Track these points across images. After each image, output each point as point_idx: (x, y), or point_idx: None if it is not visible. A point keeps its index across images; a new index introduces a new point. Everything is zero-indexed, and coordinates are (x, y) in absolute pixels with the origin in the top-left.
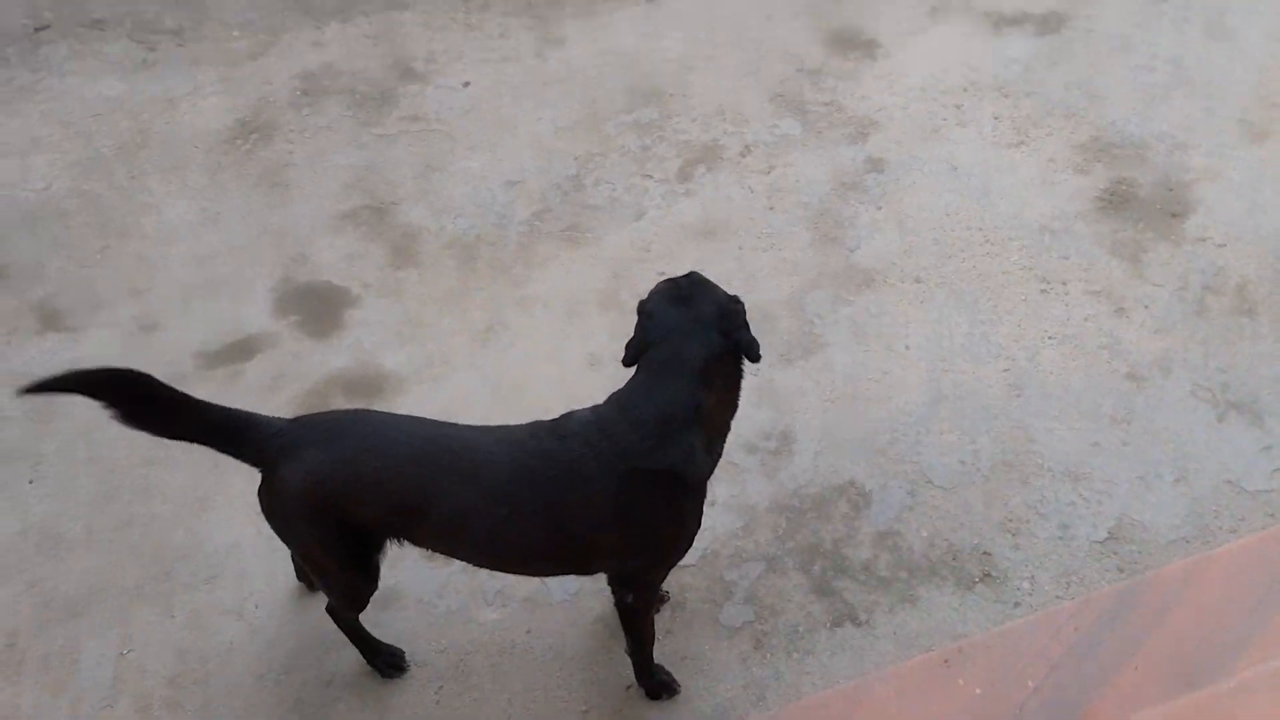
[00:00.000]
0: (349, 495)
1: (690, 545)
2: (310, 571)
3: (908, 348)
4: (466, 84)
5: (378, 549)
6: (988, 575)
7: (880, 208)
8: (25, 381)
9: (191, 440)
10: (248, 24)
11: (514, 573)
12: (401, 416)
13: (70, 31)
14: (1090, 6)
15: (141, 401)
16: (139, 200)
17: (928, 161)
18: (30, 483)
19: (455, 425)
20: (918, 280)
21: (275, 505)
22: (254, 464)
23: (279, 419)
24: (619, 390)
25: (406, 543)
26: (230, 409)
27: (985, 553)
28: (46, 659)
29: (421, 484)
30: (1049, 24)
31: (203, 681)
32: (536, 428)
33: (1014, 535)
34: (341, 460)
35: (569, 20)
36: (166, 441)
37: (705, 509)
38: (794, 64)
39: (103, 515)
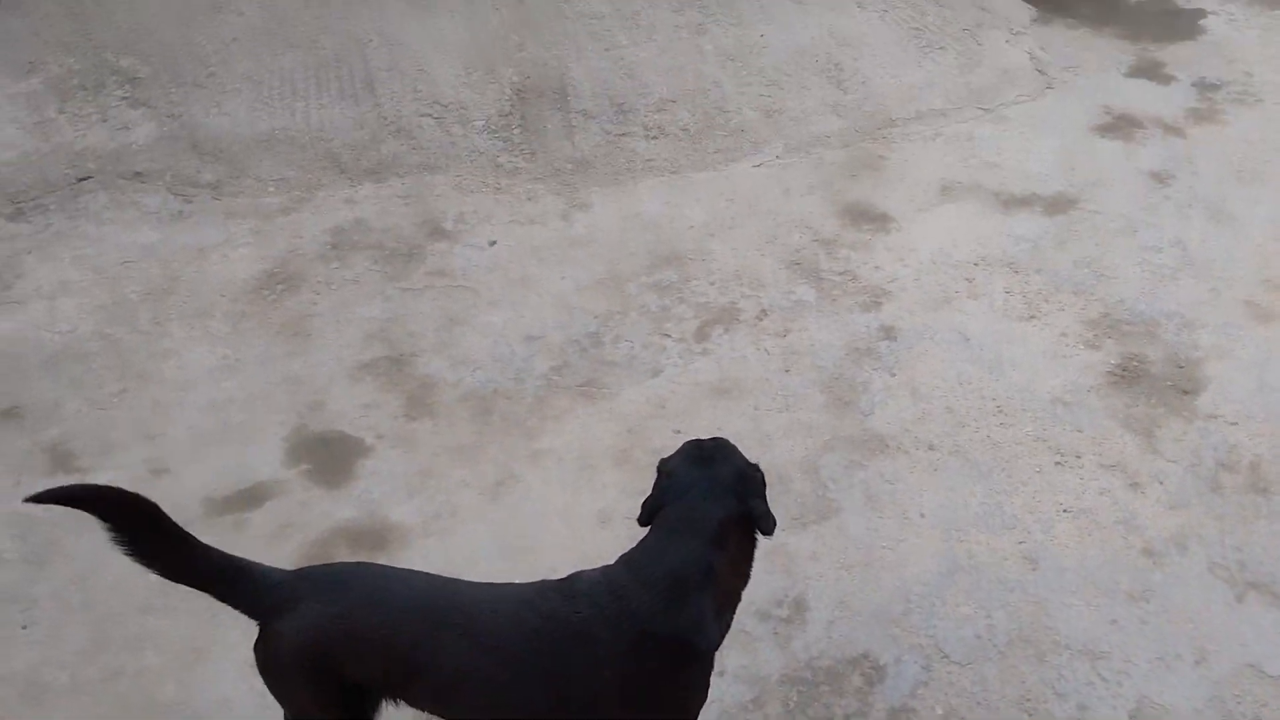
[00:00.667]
0: (347, 650)
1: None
2: None
3: (922, 515)
4: (493, 243)
5: (374, 710)
6: None
7: (894, 374)
8: (30, 526)
9: (189, 583)
10: (283, 180)
11: None
12: (405, 571)
13: (111, 183)
14: (1096, 190)
15: (145, 530)
16: (160, 345)
17: (940, 331)
18: (23, 628)
19: (460, 582)
20: (931, 447)
21: (270, 660)
22: (251, 615)
23: (280, 570)
24: (630, 550)
25: (403, 703)
26: (232, 556)
27: None
28: None
29: (421, 641)
30: (1057, 205)
31: None
32: (543, 587)
33: (1031, 716)
34: (340, 614)
35: (595, 188)
36: (165, 589)
37: (714, 679)
38: (809, 234)
39: (91, 665)
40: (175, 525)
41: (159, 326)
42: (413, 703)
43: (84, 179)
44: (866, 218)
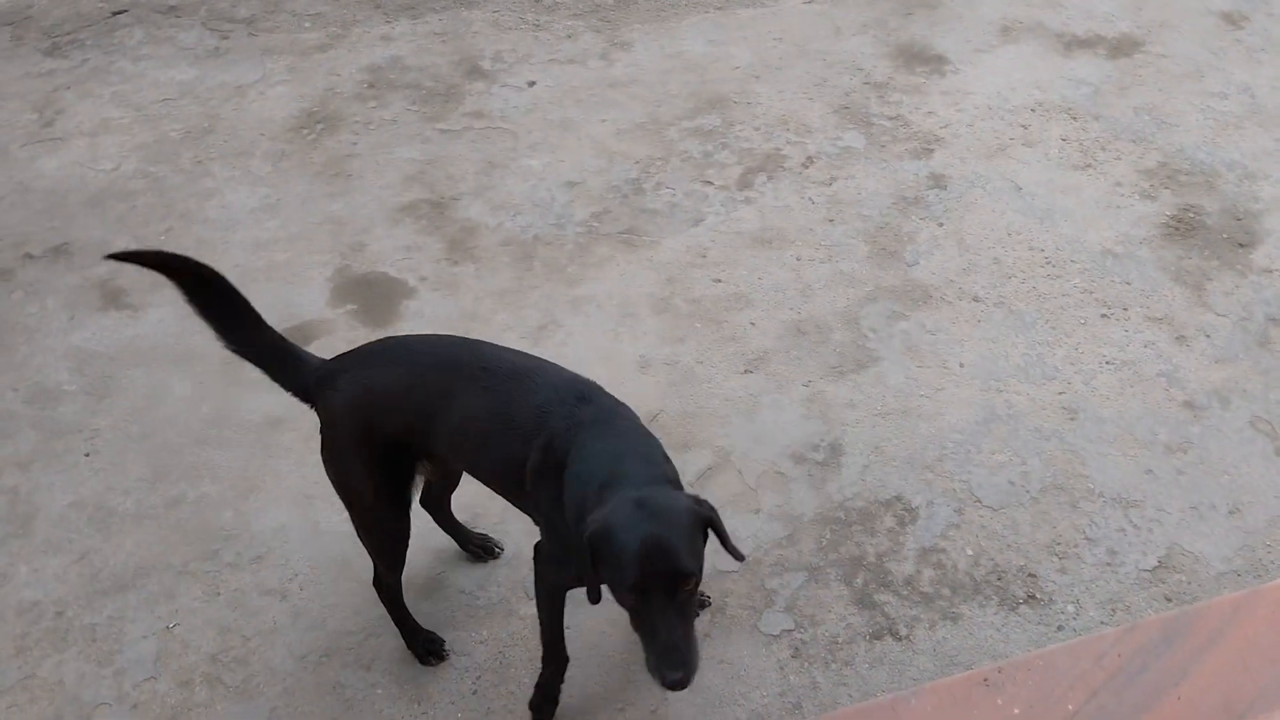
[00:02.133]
0: (381, 406)
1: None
2: (351, 512)
3: (962, 366)
4: (531, 84)
5: (409, 478)
6: (1032, 597)
7: (941, 224)
8: (88, 359)
9: (251, 357)
10: (319, 16)
11: (504, 495)
12: (430, 336)
13: (146, 17)
14: (1164, 32)
15: (215, 296)
16: (203, 185)
17: (991, 180)
18: (86, 456)
19: (485, 344)
20: (975, 299)
21: (325, 433)
22: (299, 395)
23: (321, 358)
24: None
25: (431, 462)
26: (285, 340)
27: (1031, 575)
28: (93, 630)
29: (440, 390)
30: (1121, 48)
31: (244, 660)
32: (569, 385)
33: (1061, 559)
34: (373, 376)
35: (636, 25)
36: (218, 423)
37: (750, 516)
38: (860, 77)
39: (153, 493)
40: (242, 297)
41: (200, 165)
42: (437, 455)
43: (119, 13)
44: (921, 59)
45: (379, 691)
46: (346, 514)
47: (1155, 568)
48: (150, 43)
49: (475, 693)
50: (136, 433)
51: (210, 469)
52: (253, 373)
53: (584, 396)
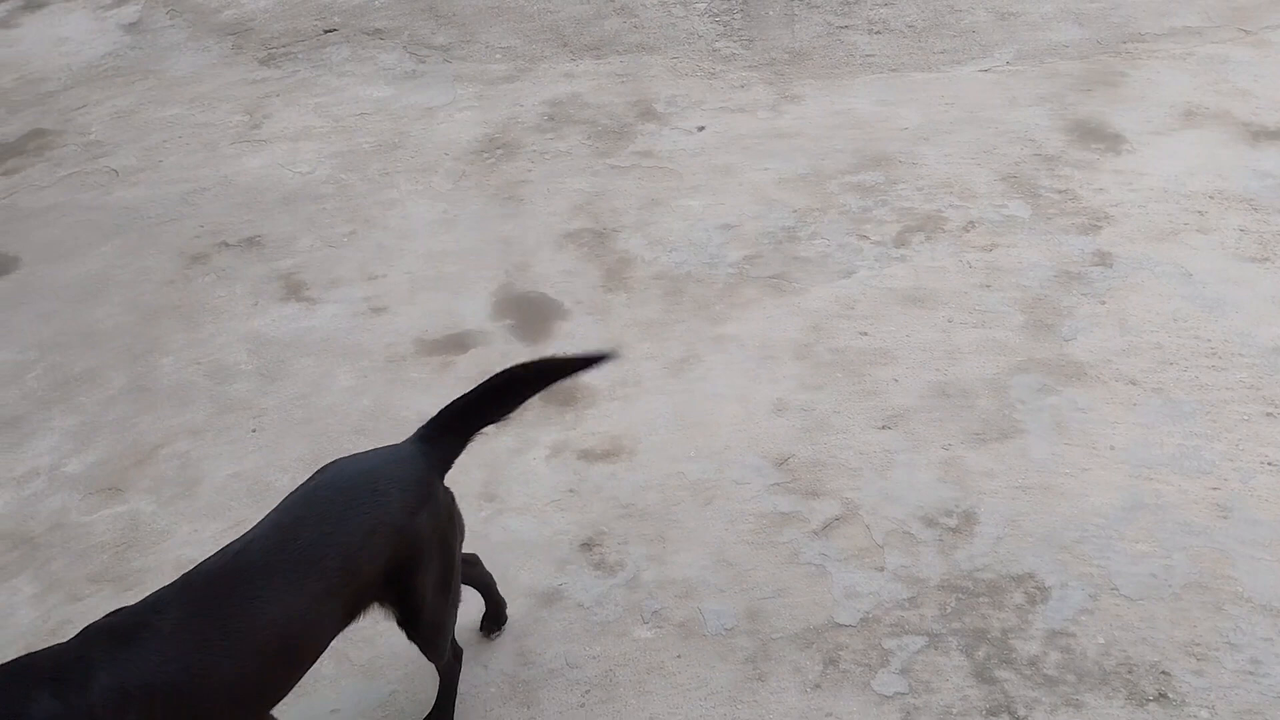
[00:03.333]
0: None
1: None
2: (452, 589)
3: (1111, 448)
4: (700, 128)
5: None
6: (1163, 696)
7: (1103, 302)
8: (264, 344)
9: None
10: (509, 49)
11: None
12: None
13: (353, 37)
14: None
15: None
16: (386, 195)
17: (1160, 264)
18: (252, 432)
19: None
20: (1132, 382)
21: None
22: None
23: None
24: None
25: None
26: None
27: (1164, 672)
28: None
29: None
30: None
31: (371, 641)
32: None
33: (1199, 660)
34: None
35: (809, 80)
36: (375, 415)
37: (872, 574)
38: (1031, 148)
39: (308, 473)
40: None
41: (386, 177)
42: None
43: (329, 31)
44: (1096, 136)
45: (491, 690)
46: (481, 514)
47: None
48: (354, 60)
49: (582, 706)
50: (299, 416)
51: None
52: (411, 373)
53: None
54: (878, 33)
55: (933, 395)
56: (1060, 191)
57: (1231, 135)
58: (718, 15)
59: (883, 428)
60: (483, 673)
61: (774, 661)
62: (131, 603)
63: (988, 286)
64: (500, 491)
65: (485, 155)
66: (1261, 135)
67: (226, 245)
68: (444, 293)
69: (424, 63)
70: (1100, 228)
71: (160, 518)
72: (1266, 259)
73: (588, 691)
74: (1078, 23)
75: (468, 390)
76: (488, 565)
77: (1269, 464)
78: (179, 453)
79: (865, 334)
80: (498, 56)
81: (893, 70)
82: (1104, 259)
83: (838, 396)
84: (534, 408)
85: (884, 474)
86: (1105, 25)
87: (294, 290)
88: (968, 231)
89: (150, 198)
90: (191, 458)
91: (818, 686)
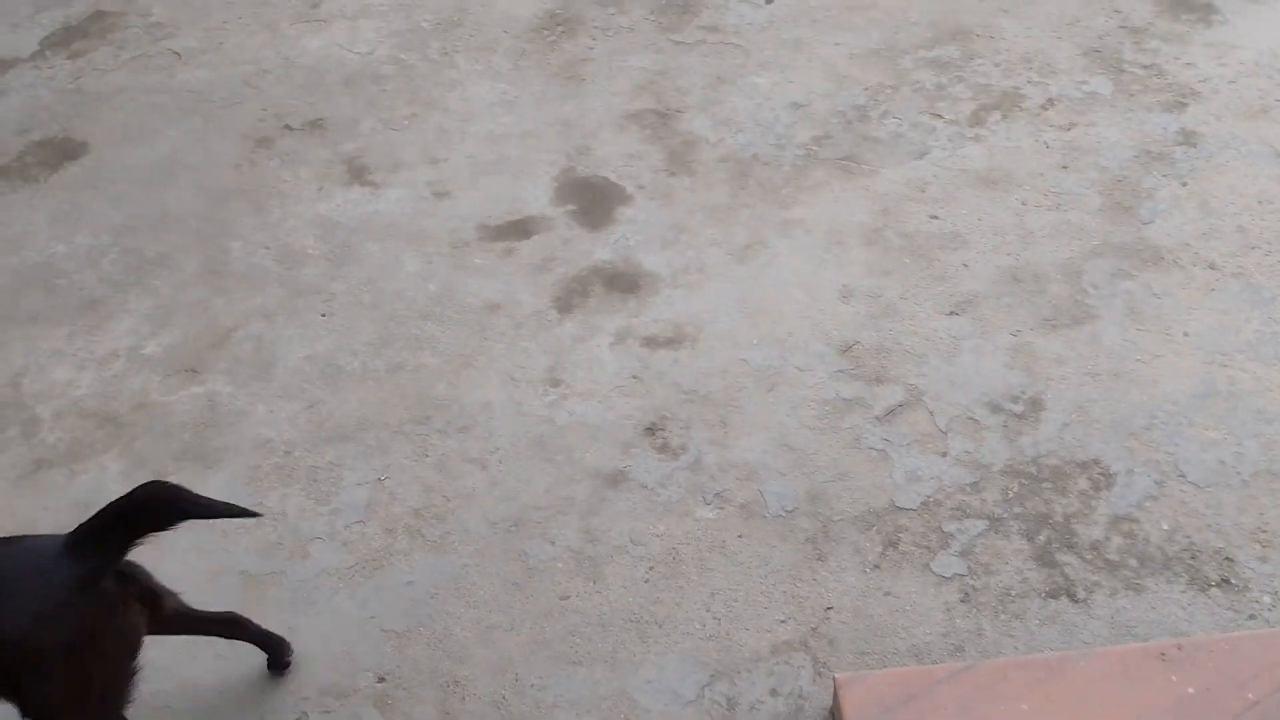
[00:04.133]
0: None
1: None
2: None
3: (1186, 334)
4: (770, 1)
5: None
6: (1226, 581)
7: (1185, 183)
8: (331, 228)
9: None
10: None
11: None
12: None
13: None
14: None
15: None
16: (447, 75)
17: (1248, 142)
18: (322, 316)
19: None
20: (1212, 266)
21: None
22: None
23: None
24: None
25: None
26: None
27: (1228, 558)
28: (315, 472)
29: None
30: None
31: (442, 517)
32: None
33: (1264, 547)
34: None
35: None
36: (443, 299)
37: (935, 459)
38: (1117, 19)
39: (378, 357)
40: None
41: (446, 57)
42: None
43: None
44: (1187, 6)
45: (559, 565)
46: (547, 398)
47: None
48: None
49: (647, 581)
50: (368, 300)
51: (430, 342)
52: (476, 258)
53: None
54: None
55: (1004, 280)
56: (1146, 66)
57: None
58: None
59: (951, 314)
60: (549, 548)
61: (834, 542)
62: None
63: (1065, 167)
64: (565, 377)
65: (546, 32)
66: None
67: (290, 129)
68: (505, 176)
69: None
70: (1186, 105)
71: (238, 398)
72: None
73: (652, 568)
74: None
75: (118, 498)
76: (553, 448)
77: None
78: (253, 335)
79: (936, 217)
80: None
81: None
82: (1189, 138)
83: (905, 282)
84: (597, 295)
85: (950, 360)
86: None
87: (358, 174)
88: (1046, 109)
89: (213, 80)
90: (265, 340)
91: (877, 567)
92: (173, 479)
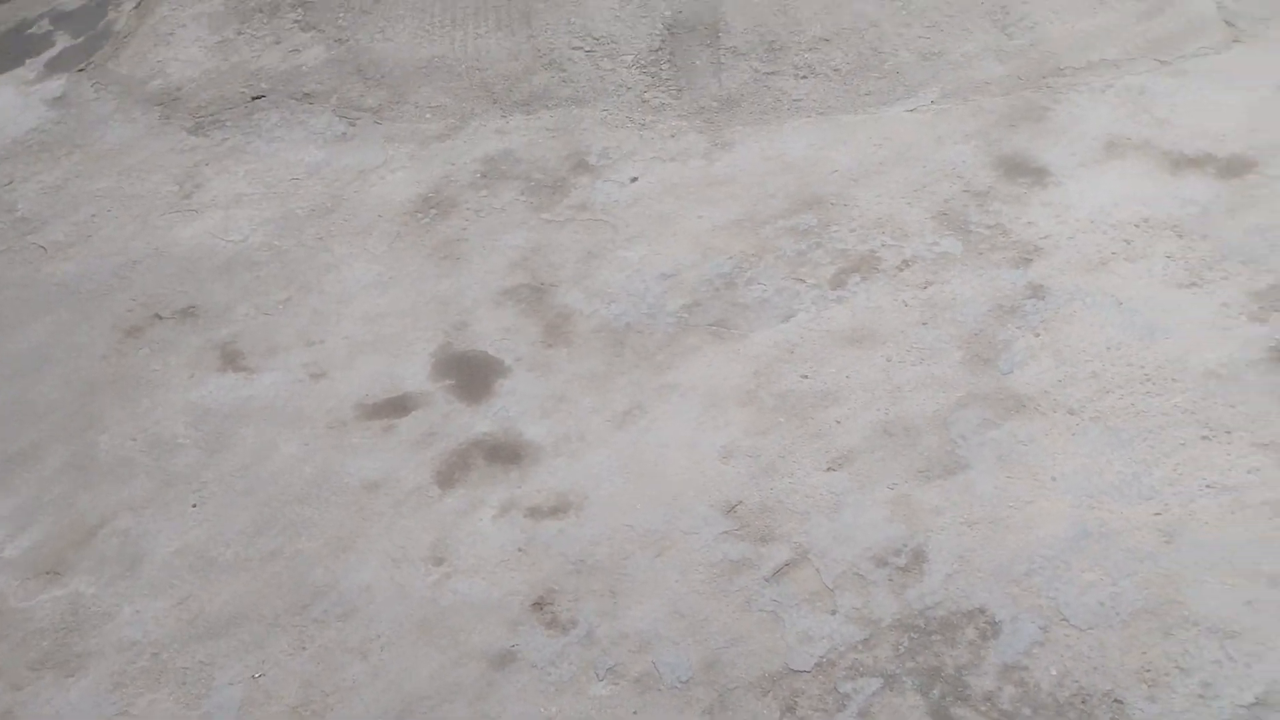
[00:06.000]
0: None
1: None
2: None
3: (1054, 479)
4: (634, 179)
5: None
6: None
7: (1038, 334)
8: (204, 415)
9: None
10: (440, 108)
11: None
12: None
13: (282, 102)
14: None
15: None
16: (322, 259)
17: (1091, 293)
18: (194, 506)
19: None
20: (1071, 412)
21: None
22: None
23: None
24: None
25: None
26: None
27: (1118, 700)
28: (185, 673)
29: None
30: (1233, 169)
31: (321, 715)
32: None
33: (1150, 686)
34: None
35: (739, 127)
36: (320, 482)
37: (826, 617)
38: (961, 184)
39: (252, 545)
40: None
41: (321, 241)
42: None
43: (258, 98)
44: (1023, 171)
45: None
46: (430, 578)
47: (1253, 704)
48: (284, 126)
49: None
50: (242, 487)
51: (308, 526)
52: (354, 438)
53: None
54: (804, 77)
55: (877, 434)
56: (991, 226)
57: (1154, 164)
58: (646, 67)
59: (829, 469)
60: None
61: (732, 711)
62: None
63: (925, 323)
64: (448, 554)
65: (420, 215)
66: (1182, 163)
67: (160, 318)
68: (383, 355)
69: (355, 125)
70: (1032, 260)
71: (102, 599)
72: (1194, 284)
73: None
74: (999, 60)
75: None
76: (438, 631)
77: (1209, 486)
78: (119, 530)
79: (807, 377)
80: (429, 116)
81: (821, 114)
82: (1037, 291)
83: (784, 440)
84: (479, 468)
85: (833, 516)
86: (1026, 61)
87: (231, 360)
88: (903, 270)
89: (82, 272)
90: (132, 535)
91: None
92: (29, 690)
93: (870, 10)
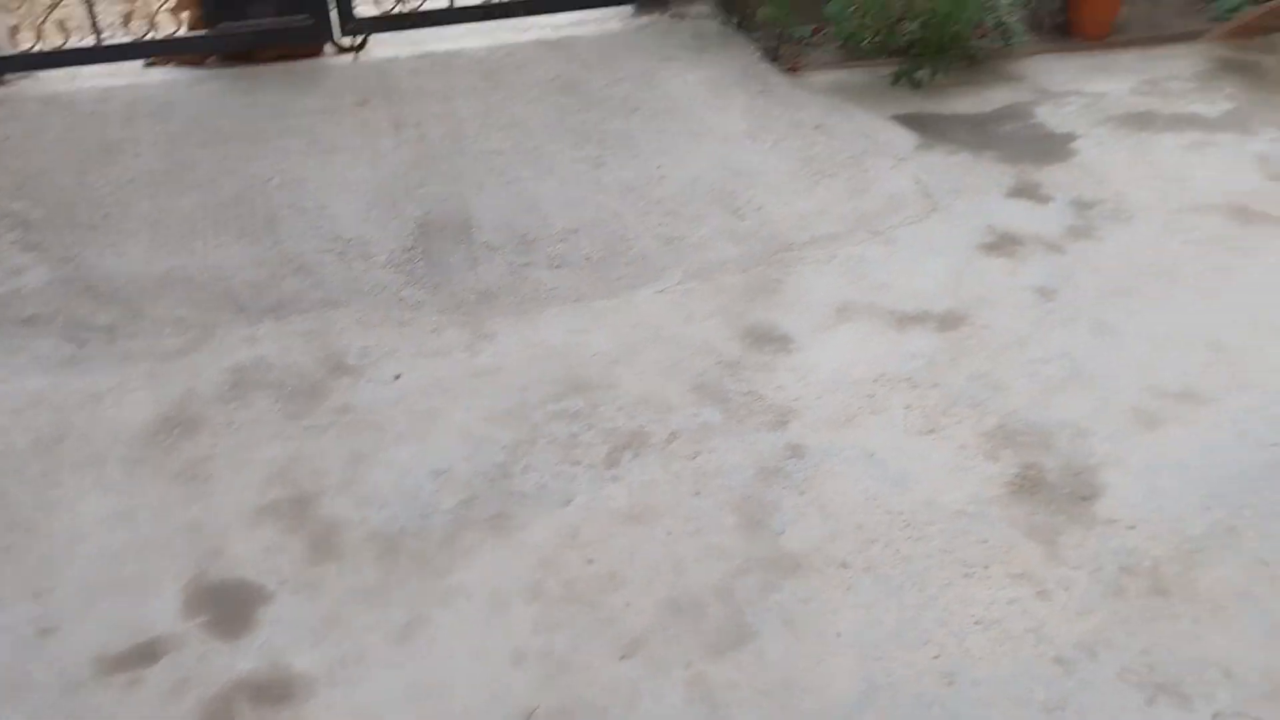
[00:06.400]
0: None
1: None
2: None
3: (838, 635)
4: (397, 377)
5: None
6: None
7: (802, 493)
8: None
9: None
10: (181, 321)
11: None
12: None
13: (0, 328)
14: (984, 307)
15: None
16: (49, 496)
17: (844, 449)
18: None
19: None
20: (843, 565)
21: None
22: None
23: None
24: None
25: None
26: None
27: None
28: None
29: None
30: (947, 322)
31: None
32: None
33: None
34: None
35: (499, 318)
36: None
37: None
38: (714, 357)
39: None
40: None
41: (47, 477)
42: None
43: None
44: (767, 339)
45: None
46: None
47: None
48: (3, 353)
49: None
50: None
51: None
52: (94, 699)
53: None
54: (558, 267)
55: (666, 612)
56: (746, 394)
57: (881, 324)
58: (399, 265)
59: (624, 657)
60: None
61: None
62: None
63: (698, 493)
64: None
65: (162, 436)
66: (905, 320)
67: None
68: (125, 597)
69: (85, 346)
70: (787, 422)
71: None
72: (932, 430)
73: None
74: (733, 241)
75: None
76: None
77: (976, 623)
78: None
79: (592, 561)
80: (168, 330)
81: (577, 300)
82: (796, 451)
83: (575, 632)
84: (243, 714)
85: (633, 708)
86: (757, 240)
87: None
88: (671, 442)
89: None
90: None
91: None
92: None
93: (612, 203)
